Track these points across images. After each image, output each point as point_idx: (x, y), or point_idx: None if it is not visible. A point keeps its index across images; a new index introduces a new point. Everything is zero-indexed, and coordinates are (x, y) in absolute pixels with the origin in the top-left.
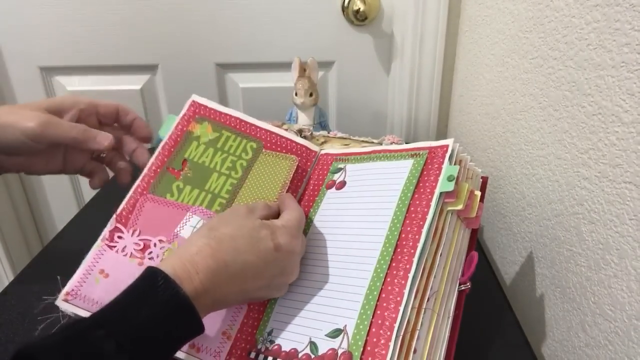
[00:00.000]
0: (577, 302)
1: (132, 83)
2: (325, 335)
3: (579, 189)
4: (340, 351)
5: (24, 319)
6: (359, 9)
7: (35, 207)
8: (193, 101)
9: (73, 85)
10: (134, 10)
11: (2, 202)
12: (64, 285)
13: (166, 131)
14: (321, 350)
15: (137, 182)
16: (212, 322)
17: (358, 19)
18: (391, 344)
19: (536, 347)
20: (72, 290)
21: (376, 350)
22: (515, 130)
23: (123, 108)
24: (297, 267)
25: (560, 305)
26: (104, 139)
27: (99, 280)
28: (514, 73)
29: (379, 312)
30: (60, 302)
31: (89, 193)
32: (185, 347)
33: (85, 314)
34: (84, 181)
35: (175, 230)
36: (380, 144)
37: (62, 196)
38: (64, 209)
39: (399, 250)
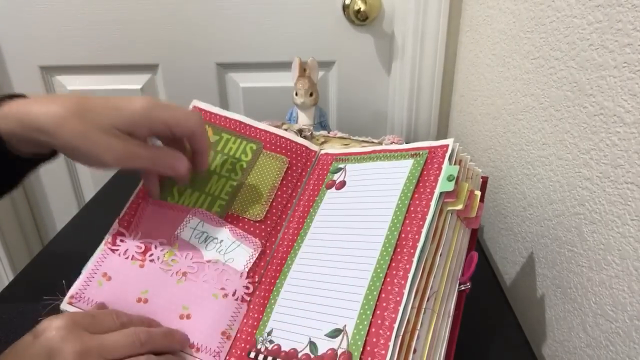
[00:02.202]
0: (578, 302)
1: (133, 82)
2: (325, 335)
3: (581, 190)
4: (339, 351)
5: (24, 318)
6: (360, 8)
7: (35, 207)
8: (194, 106)
9: (73, 85)
10: (135, 9)
11: (2, 202)
12: (67, 287)
13: None
14: (321, 350)
15: (139, 186)
16: (212, 322)
17: (359, 18)
18: (391, 344)
19: (536, 348)
20: (76, 293)
21: (376, 350)
22: (516, 130)
23: (199, 135)
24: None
25: (561, 306)
26: (182, 168)
27: (102, 283)
28: (515, 73)
29: (378, 312)
30: (64, 306)
31: (89, 193)
32: (185, 347)
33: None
34: (84, 181)
35: (176, 233)
36: (381, 143)
37: (62, 196)
38: (64, 209)
39: (398, 250)
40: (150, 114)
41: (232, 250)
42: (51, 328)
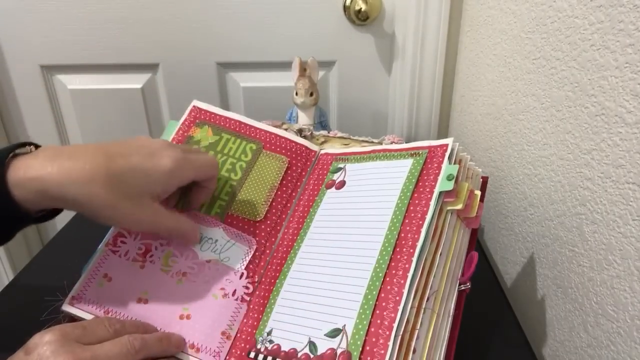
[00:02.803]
0: (579, 302)
1: (133, 82)
2: (325, 335)
3: (582, 190)
4: (339, 351)
5: (24, 318)
6: (361, 8)
7: None
8: (194, 106)
9: (74, 84)
10: (135, 8)
11: None
12: (68, 288)
13: (167, 137)
14: (320, 350)
15: None
16: (212, 322)
17: (359, 18)
18: (390, 344)
19: (537, 348)
20: (78, 294)
21: (375, 349)
22: (517, 130)
23: (214, 179)
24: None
25: (561, 306)
26: (195, 241)
27: (102, 284)
28: (516, 73)
29: (378, 311)
30: (66, 306)
31: None
32: (185, 347)
33: (89, 317)
34: None
35: None
36: (381, 143)
37: None
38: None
39: (398, 249)
40: (178, 174)
41: (228, 250)
42: (42, 343)
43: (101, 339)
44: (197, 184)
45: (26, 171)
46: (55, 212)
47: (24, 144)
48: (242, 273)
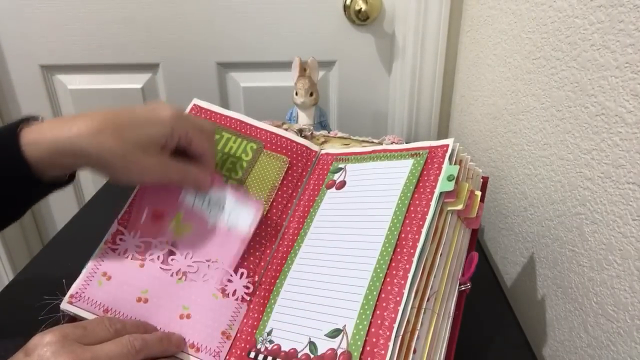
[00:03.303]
0: (579, 302)
1: (133, 82)
2: (325, 335)
3: (582, 190)
4: (339, 351)
5: (24, 318)
6: (361, 8)
7: (35, 207)
8: (194, 105)
9: (74, 84)
10: (135, 8)
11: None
12: (67, 287)
13: None
14: (320, 350)
15: (138, 186)
16: (212, 322)
17: (359, 18)
18: (390, 344)
19: (537, 348)
20: (76, 293)
21: (375, 350)
22: (517, 130)
23: (205, 160)
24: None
25: (562, 306)
26: (206, 186)
27: (102, 282)
28: (516, 73)
29: (378, 312)
30: (64, 305)
31: (89, 193)
32: (185, 347)
33: (88, 315)
34: (84, 181)
35: (180, 199)
36: (381, 143)
37: (62, 196)
38: (64, 209)
39: (398, 250)
40: (179, 124)
41: (235, 213)
42: (43, 344)
43: (102, 339)
44: (197, 159)
45: (38, 133)
46: (68, 180)
47: (33, 117)
48: (246, 238)
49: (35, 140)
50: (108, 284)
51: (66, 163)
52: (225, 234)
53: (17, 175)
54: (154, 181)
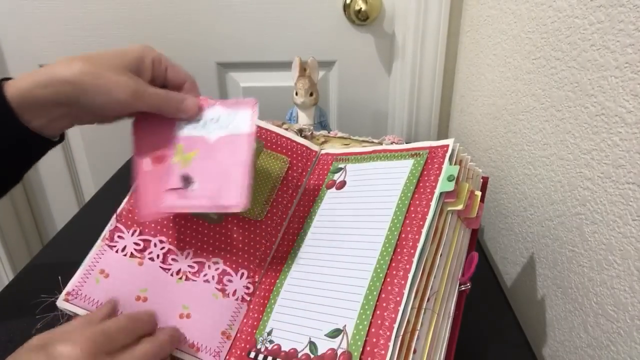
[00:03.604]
0: (579, 302)
1: None
2: (325, 335)
3: (582, 190)
4: (339, 351)
5: (24, 318)
6: (361, 8)
7: (35, 207)
8: None
9: None
10: (135, 8)
11: (2, 202)
12: (64, 285)
13: None
14: (320, 350)
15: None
16: (212, 322)
17: (359, 18)
18: (391, 344)
19: (536, 348)
20: (73, 290)
21: (375, 350)
22: (517, 130)
23: (189, 87)
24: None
25: (561, 306)
26: (189, 108)
27: (99, 280)
28: (516, 73)
29: (378, 312)
30: (60, 302)
31: (89, 193)
32: (185, 347)
33: (85, 313)
34: (84, 181)
35: (174, 133)
36: (381, 143)
37: (62, 196)
38: (64, 209)
39: (398, 250)
40: (150, 50)
41: (233, 120)
42: (69, 357)
43: (124, 345)
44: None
45: (18, 77)
46: (59, 140)
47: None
48: (250, 134)
49: (15, 81)
50: (106, 282)
51: (49, 94)
52: (231, 141)
53: (2, 123)
54: (135, 103)
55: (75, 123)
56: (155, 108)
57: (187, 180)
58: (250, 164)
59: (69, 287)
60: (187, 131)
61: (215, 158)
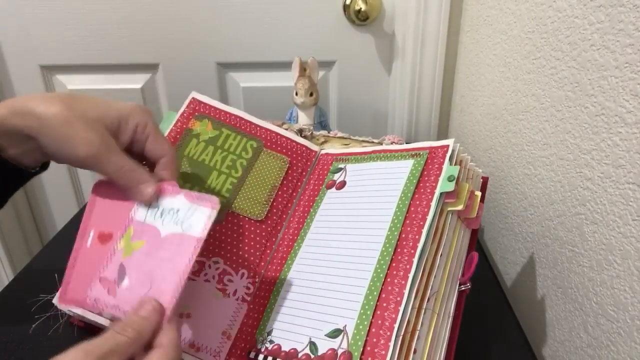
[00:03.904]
0: (579, 302)
1: (133, 82)
2: (325, 335)
3: (582, 190)
4: (340, 351)
5: (23, 318)
6: (360, 8)
7: (35, 207)
8: (193, 98)
9: (74, 84)
10: (135, 8)
11: None
12: (61, 283)
13: (165, 128)
14: (321, 350)
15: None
16: (212, 322)
17: (359, 18)
18: (391, 344)
19: (537, 348)
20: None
21: (376, 350)
22: (517, 130)
23: (165, 163)
24: None
25: (562, 306)
26: (147, 193)
27: None
28: (516, 73)
29: (378, 312)
30: (57, 301)
31: (89, 193)
32: (185, 347)
33: (82, 312)
34: (84, 181)
35: (130, 214)
36: (381, 144)
37: (62, 196)
38: (64, 209)
39: (399, 250)
40: (139, 112)
41: (190, 217)
42: None
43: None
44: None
45: (6, 100)
46: (41, 169)
47: None
48: (200, 239)
49: (1, 103)
50: None
51: (17, 124)
52: (179, 242)
53: None
54: (92, 163)
55: (49, 158)
56: (113, 178)
57: (121, 273)
58: (187, 272)
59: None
60: (142, 214)
61: (157, 257)
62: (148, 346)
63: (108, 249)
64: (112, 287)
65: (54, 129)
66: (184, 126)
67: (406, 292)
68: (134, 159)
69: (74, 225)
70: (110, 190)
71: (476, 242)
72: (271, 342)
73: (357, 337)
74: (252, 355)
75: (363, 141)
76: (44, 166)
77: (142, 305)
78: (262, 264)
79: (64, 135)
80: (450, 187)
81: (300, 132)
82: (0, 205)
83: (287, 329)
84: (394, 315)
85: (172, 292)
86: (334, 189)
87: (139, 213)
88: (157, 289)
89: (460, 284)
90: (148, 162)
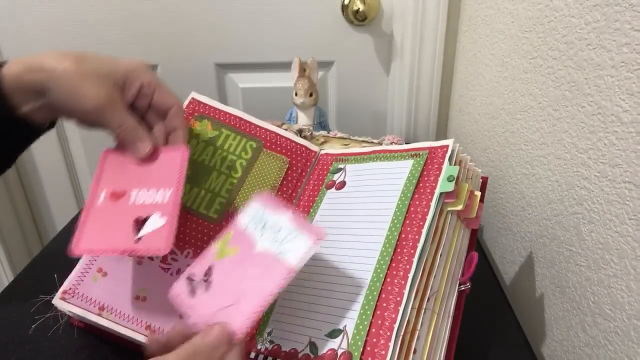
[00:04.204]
0: (577, 301)
1: None
2: (325, 335)
3: (579, 189)
4: (340, 351)
5: (23, 319)
6: (359, 9)
7: (35, 207)
8: (192, 98)
9: None
10: (134, 10)
11: (2, 202)
12: (61, 283)
13: None
14: (321, 351)
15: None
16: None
17: (358, 19)
18: (391, 344)
19: (536, 347)
20: (70, 288)
21: (376, 350)
22: (514, 130)
23: (175, 111)
24: None
25: (560, 305)
26: (143, 149)
27: (97, 278)
28: (513, 73)
29: (378, 312)
30: (57, 301)
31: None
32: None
33: (82, 313)
34: (84, 181)
35: (234, 221)
36: (380, 144)
37: (62, 196)
38: (64, 209)
39: (398, 250)
40: (144, 70)
41: (290, 241)
42: None
43: None
44: (172, 129)
45: (13, 60)
46: (49, 126)
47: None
48: (292, 269)
49: (10, 64)
50: (104, 280)
51: (30, 80)
52: (271, 266)
53: None
54: (97, 117)
55: (58, 114)
56: (115, 132)
57: (208, 274)
58: (269, 301)
59: (65, 285)
60: (245, 222)
61: (245, 271)
62: None
63: (124, 206)
64: (194, 289)
65: (63, 83)
66: None
67: (406, 292)
68: (138, 114)
69: (74, 225)
70: (117, 154)
71: (476, 242)
72: (271, 342)
73: (357, 337)
74: (252, 355)
75: (362, 141)
76: (52, 124)
77: (212, 331)
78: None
79: (73, 88)
80: (450, 187)
81: (299, 132)
82: (11, 164)
83: (287, 329)
84: (393, 315)
85: (249, 315)
86: (333, 189)
87: (243, 220)
88: (238, 306)
89: (460, 284)
90: (157, 114)
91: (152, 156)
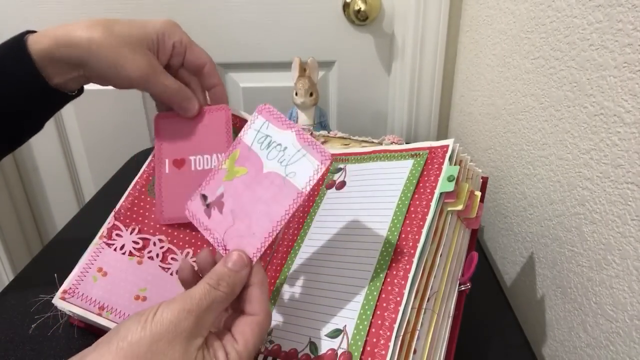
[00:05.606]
0: (579, 302)
1: None
2: (325, 335)
3: (581, 190)
4: (339, 351)
5: (23, 319)
6: (360, 8)
7: (35, 207)
8: None
9: None
10: (134, 9)
11: (2, 202)
12: (61, 283)
13: None
14: (321, 351)
15: (136, 178)
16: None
17: (359, 18)
18: (391, 344)
19: (536, 348)
20: (70, 288)
21: (376, 350)
22: (516, 130)
23: (210, 69)
24: None
25: (561, 306)
26: (192, 108)
27: (97, 278)
28: (515, 73)
29: (378, 312)
30: (57, 301)
31: (89, 193)
32: None
33: (82, 312)
34: (84, 181)
35: (239, 135)
36: (381, 144)
37: (62, 196)
38: (64, 209)
39: (398, 250)
40: (173, 28)
41: (296, 162)
42: None
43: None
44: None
45: (42, 32)
46: (77, 93)
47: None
48: (301, 193)
49: (41, 34)
50: (104, 280)
51: (65, 55)
52: (279, 187)
53: (24, 74)
54: (145, 84)
55: (92, 82)
56: (160, 96)
57: (219, 197)
58: (282, 224)
59: (65, 285)
60: (250, 139)
61: (255, 193)
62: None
63: (188, 173)
64: (208, 209)
65: (102, 55)
66: None
67: (406, 292)
68: (172, 72)
69: (74, 225)
70: (167, 119)
71: (476, 242)
72: (271, 342)
73: (357, 337)
74: None
75: (363, 141)
76: (80, 90)
77: (231, 258)
78: (262, 264)
79: (113, 60)
80: (450, 187)
81: None
82: (39, 129)
83: (287, 329)
84: (393, 315)
85: (263, 239)
86: (333, 189)
87: (247, 136)
88: (249, 229)
89: (460, 284)
90: (189, 71)
91: (197, 116)
